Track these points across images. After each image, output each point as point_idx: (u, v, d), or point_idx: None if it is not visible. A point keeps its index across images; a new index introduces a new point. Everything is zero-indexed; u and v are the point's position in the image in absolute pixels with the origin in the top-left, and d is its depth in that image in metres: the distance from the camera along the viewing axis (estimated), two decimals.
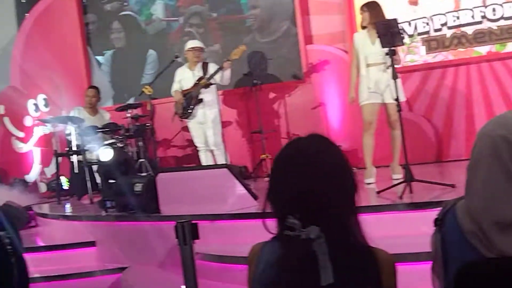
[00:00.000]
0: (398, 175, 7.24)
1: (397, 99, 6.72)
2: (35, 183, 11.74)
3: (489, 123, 2.45)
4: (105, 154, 8.65)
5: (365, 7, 7.66)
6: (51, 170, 11.37)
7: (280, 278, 2.16)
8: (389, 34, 6.62)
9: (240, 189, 6.72)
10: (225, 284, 5.62)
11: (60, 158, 10.05)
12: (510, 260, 2.23)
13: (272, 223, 2.23)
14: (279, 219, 2.21)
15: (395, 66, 7.16)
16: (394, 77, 6.65)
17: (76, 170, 9.63)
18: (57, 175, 10.14)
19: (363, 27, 7.70)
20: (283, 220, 2.17)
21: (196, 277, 3.78)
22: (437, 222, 2.54)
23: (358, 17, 8.91)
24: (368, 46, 7.54)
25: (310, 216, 2.14)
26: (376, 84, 7.44)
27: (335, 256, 2.11)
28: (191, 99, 9.15)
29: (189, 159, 10.69)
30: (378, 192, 6.51)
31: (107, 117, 10.35)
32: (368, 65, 7.51)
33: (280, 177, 2.26)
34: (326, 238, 2.13)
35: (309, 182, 2.17)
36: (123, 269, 6.95)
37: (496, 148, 2.33)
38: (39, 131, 11.79)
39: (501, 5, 9.04)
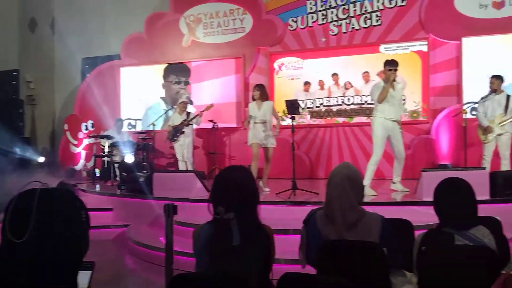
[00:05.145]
0: (267, 188, 7.27)
1: None
2: (80, 171, 11.63)
3: (338, 166, 2.64)
4: (129, 158, 8.84)
5: (257, 87, 7.49)
6: (90, 164, 11.26)
7: (212, 243, 2.18)
8: (292, 107, 6.90)
9: (199, 185, 6.88)
10: (188, 240, 5.57)
11: (97, 158, 10.21)
12: (346, 242, 2.43)
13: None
14: (213, 209, 2.25)
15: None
16: (293, 130, 6.90)
17: (105, 166, 9.77)
18: (93, 167, 10.28)
19: (254, 99, 7.46)
20: (215, 209, 2.23)
21: (172, 236, 3.61)
22: (305, 222, 2.67)
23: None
24: (256, 110, 7.37)
25: (230, 207, 2.19)
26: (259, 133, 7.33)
27: (242, 229, 2.15)
28: (178, 131, 9.16)
29: (172, 165, 10.57)
30: (277, 194, 6.56)
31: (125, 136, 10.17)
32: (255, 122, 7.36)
33: (216, 187, 2.30)
34: (237, 219, 2.17)
35: (230, 190, 2.24)
36: (127, 225, 6.95)
37: (343, 181, 2.52)
38: (86, 141, 11.65)
39: (353, 97, 9.77)
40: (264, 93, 7.48)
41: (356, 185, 2.53)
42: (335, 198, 2.49)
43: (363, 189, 2.62)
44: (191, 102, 10.87)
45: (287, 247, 4.45)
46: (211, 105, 9.42)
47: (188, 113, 9.44)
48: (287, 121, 9.93)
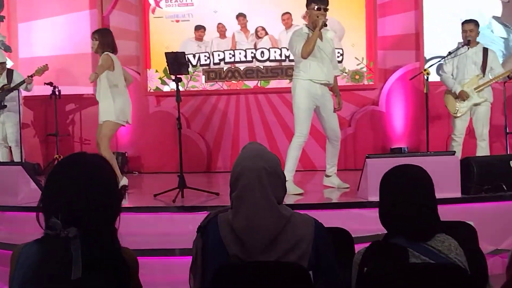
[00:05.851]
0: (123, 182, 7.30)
1: None
2: None
3: (246, 153, 2.68)
4: None
5: (96, 34, 7.52)
6: None
7: (37, 274, 2.10)
8: (177, 64, 6.80)
9: (32, 185, 6.73)
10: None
11: None
12: (262, 264, 2.46)
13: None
14: (45, 220, 2.16)
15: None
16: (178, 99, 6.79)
17: None
18: None
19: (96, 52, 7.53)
20: (48, 221, 2.13)
21: None
22: (200, 229, 2.68)
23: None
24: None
25: (71, 219, 2.11)
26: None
27: (87, 255, 2.08)
28: None
29: None
30: (155, 195, 6.66)
31: None
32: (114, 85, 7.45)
33: (51, 186, 2.23)
34: (81, 239, 2.10)
35: (73, 192, 2.16)
36: None
37: (259, 177, 2.56)
38: None
39: (268, 49, 9.97)
40: (106, 43, 7.47)
41: (276, 180, 2.59)
42: (248, 208, 2.52)
43: (285, 185, 2.67)
44: (9, 49, 10.68)
45: (171, 275, 4.56)
46: (45, 67, 9.36)
47: (10, 72, 9.34)
48: (170, 86, 10.09)
